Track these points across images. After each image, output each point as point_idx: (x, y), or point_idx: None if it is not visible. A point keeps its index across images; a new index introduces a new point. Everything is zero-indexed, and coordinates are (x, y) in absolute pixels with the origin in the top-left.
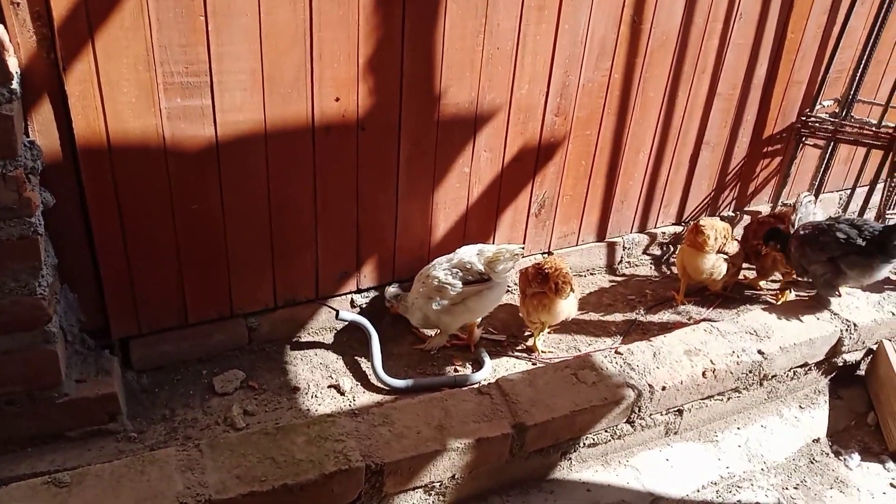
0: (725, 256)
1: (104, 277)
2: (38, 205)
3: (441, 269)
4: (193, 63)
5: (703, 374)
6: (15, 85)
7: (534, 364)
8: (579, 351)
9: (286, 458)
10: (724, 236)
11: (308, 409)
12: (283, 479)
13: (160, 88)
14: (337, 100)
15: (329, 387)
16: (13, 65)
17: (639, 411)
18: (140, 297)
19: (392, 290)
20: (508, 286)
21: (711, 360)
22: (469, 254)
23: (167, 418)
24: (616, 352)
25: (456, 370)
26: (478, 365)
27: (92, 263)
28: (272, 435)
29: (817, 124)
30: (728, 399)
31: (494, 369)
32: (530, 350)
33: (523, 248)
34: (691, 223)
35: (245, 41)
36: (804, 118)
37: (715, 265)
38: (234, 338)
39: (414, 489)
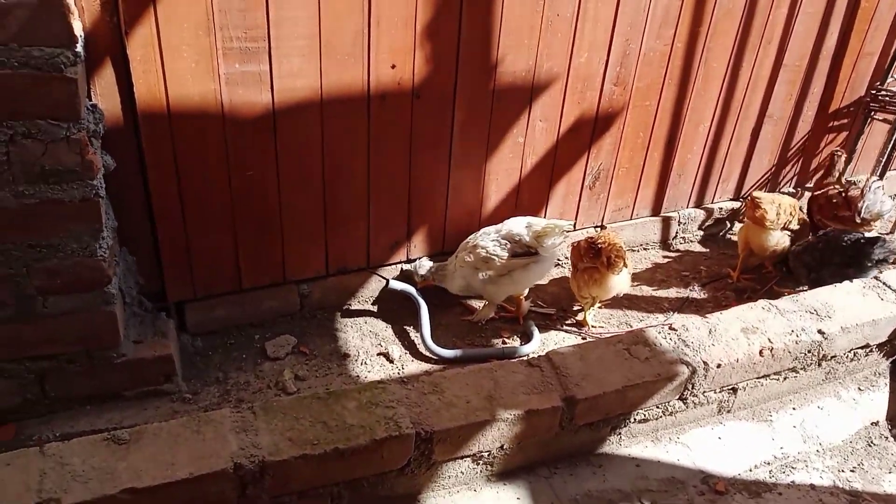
0: (790, 234)
1: (161, 241)
2: (99, 168)
3: (489, 240)
4: (252, 28)
5: (760, 352)
6: (79, 48)
7: (583, 339)
8: (630, 326)
9: (338, 422)
10: (790, 213)
11: (357, 376)
12: (335, 444)
13: (219, 53)
14: (393, 67)
15: (378, 354)
16: (77, 28)
17: (692, 388)
18: (196, 261)
19: (426, 263)
20: (559, 260)
21: (769, 339)
22: (518, 226)
23: (220, 381)
24: (670, 328)
25: (504, 342)
26: (526, 338)
27: (150, 227)
28: (324, 399)
29: (888, 98)
30: (784, 379)
31: (543, 342)
32: (580, 324)
33: (572, 224)
34: (753, 197)
35: (303, 6)
36: (874, 92)
37: (779, 241)
38: (286, 304)
39: (462, 458)
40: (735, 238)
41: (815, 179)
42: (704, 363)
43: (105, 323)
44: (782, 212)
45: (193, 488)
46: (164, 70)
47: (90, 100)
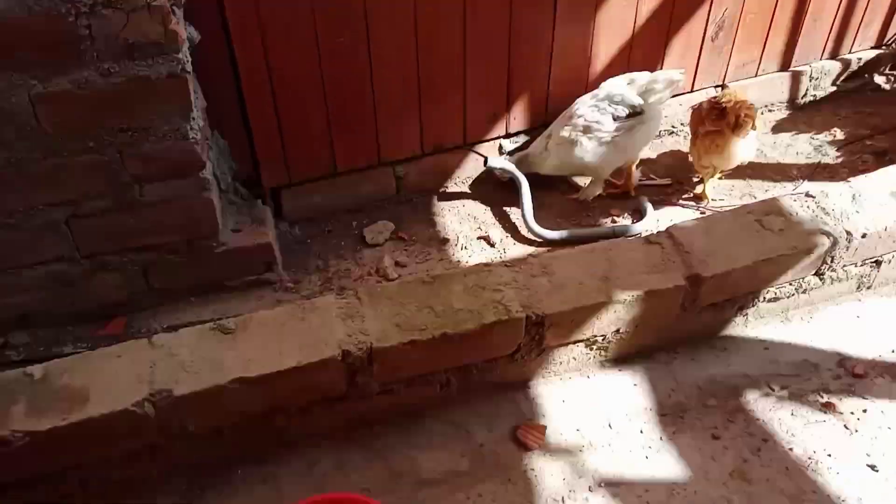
0: None
1: (253, 121)
2: (184, 39)
3: (585, 107)
4: None
5: None
6: None
7: (702, 213)
8: (754, 198)
9: (444, 307)
10: None
11: (458, 261)
12: (443, 329)
13: None
14: None
15: (478, 238)
16: None
17: (831, 262)
18: (289, 143)
19: (499, 162)
20: (673, 127)
21: None
22: (618, 86)
23: (321, 269)
24: (807, 194)
25: (614, 220)
26: (638, 214)
27: (239, 107)
28: (429, 284)
29: None
30: None
31: (658, 220)
32: (698, 198)
33: (683, 73)
34: None
35: None
36: None
37: None
38: (382, 187)
39: (575, 343)
40: (874, 95)
41: None
42: (847, 233)
43: (203, 210)
44: None
45: (302, 377)
46: None
47: None
